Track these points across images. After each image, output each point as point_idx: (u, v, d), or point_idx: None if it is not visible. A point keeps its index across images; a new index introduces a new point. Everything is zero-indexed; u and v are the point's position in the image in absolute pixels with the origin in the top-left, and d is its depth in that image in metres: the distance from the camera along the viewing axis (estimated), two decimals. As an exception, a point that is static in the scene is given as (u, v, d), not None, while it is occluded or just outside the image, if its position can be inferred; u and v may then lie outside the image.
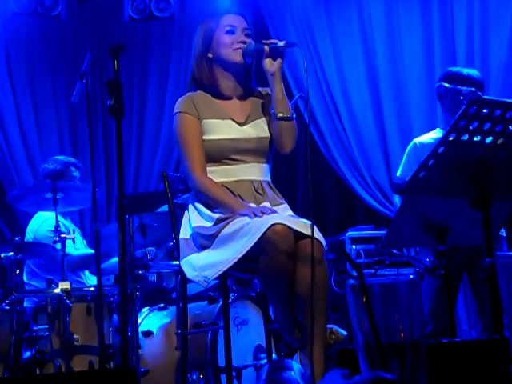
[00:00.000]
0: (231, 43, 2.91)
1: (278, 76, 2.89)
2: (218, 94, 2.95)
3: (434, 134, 3.81)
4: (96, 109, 5.85)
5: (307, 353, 2.60)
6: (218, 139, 2.88)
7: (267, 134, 2.94)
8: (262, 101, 2.99)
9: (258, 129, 2.93)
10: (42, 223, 4.53)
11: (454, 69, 3.84)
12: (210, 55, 2.93)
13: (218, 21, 2.95)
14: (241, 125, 2.92)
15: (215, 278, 2.71)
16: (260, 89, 3.04)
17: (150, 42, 6.14)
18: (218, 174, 2.86)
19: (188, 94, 2.97)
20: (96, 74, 5.74)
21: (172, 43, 6.11)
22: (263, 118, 2.96)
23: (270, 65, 2.88)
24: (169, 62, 6.09)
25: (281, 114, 2.87)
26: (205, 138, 2.88)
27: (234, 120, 2.92)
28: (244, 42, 2.91)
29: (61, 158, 4.81)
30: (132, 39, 6.09)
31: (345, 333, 3.06)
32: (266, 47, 2.88)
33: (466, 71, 3.70)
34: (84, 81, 3.00)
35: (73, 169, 4.67)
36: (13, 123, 5.78)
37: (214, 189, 2.81)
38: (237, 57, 2.91)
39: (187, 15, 6.04)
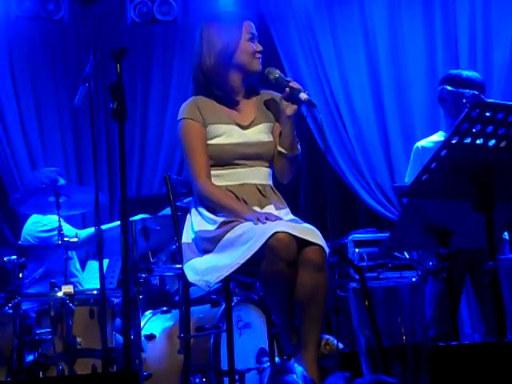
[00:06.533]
0: (253, 51, 2.93)
1: (292, 119, 2.90)
2: (222, 98, 2.94)
3: (437, 137, 3.80)
4: (99, 112, 5.85)
5: (300, 359, 2.59)
6: (222, 144, 2.88)
7: (270, 139, 2.94)
8: (267, 104, 2.99)
9: (261, 133, 2.94)
10: (32, 223, 4.54)
11: (454, 71, 3.83)
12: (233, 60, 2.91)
13: (241, 27, 2.94)
14: (244, 128, 2.92)
15: (217, 283, 2.71)
16: (265, 91, 3.04)
17: (152, 45, 6.14)
18: (223, 178, 2.87)
19: (192, 98, 2.96)
20: (99, 78, 5.75)
21: (175, 47, 6.11)
22: (268, 124, 2.96)
23: (288, 107, 2.88)
24: (172, 66, 6.09)
25: (285, 152, 2.91)
26: (209, 142, 2.88)
27: (237, 124, 2.92)
28: (261, 52, 2.93)
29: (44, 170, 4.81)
30: (135, 43, 6.09)
31: (340, 345, 3.04)
32: (287, 89, 2.86)
33: (465, 73, 3.69)
34: (87, 84, 3.01)
35: (60, 180, 4.66)
36: (16, 127, 5.78)
37: (218, 194, 2.81)
38: (257, 65, 2.93)
39: (190, 19, 6.04)
